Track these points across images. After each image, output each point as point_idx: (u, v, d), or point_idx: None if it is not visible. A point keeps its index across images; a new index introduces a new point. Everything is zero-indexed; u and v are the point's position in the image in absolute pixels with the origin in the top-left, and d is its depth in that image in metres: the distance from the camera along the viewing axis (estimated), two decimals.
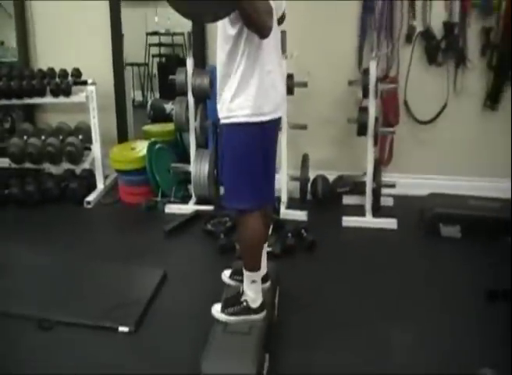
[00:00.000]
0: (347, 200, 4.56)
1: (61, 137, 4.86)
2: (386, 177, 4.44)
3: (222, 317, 2.78)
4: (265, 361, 2.58)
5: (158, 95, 7.03)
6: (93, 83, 4.84)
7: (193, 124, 4.50)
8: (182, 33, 4.54)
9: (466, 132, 4.60)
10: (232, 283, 3.10)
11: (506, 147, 4.48)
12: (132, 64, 6.45)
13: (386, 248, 3.86)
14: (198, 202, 4.54)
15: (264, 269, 2.98)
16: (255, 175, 2.66)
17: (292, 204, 4.43)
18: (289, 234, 3.85)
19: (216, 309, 2.82)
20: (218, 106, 2.68)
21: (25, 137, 4.87)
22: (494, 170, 4.57)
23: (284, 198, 4.42)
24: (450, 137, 4.62)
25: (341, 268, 3.62)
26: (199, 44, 4.80)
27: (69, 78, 4.93)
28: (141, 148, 4.78)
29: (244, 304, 2.77)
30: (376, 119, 4.18)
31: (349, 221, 4.18)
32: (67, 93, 4.86)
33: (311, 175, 4.49)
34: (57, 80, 4.92)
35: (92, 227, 4.46)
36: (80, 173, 5.00)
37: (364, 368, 2.70)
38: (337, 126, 4.63)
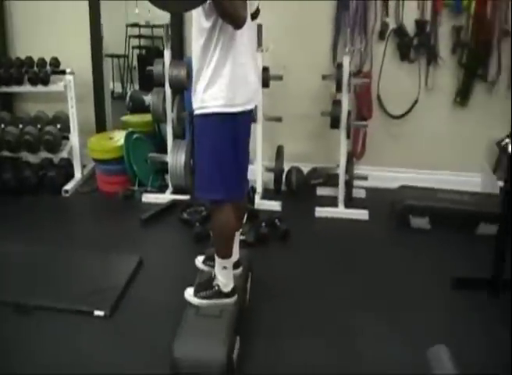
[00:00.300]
0: (321, 191, 4.63)
1: (39, 126, 4.86)
2: (359, 170, 4.55)
3: (195, 301, 2.85)
4: (236, 343, 2.64)
5: (137, 87, 7.05)
6: (71, 73, 4.84)
7: (170, 115, 4.54)
8: (162, 26, 4.58)
9: (437, 127, 4.69)
10: (205, 268, 3.18)
11: (476, 142, 4.60)
12: (112, 55, 6.51)
13: (358, 239, 3.94)
14: (175, 192, 4.58)
15: (235, 256, 3.06)
16: (227, 166, 2.71)
17: (267, 194, 4.50)
18: (263, 224, 3.92)
19: (189, 293, 2.89)
20: (193, 98, 2.72)
21: (2, 126, 4.85)
22: (464, 165, 4.67)
23: (259, 189, 4.48)
24: (421, 132, 4.71)
25: (313, 257, 3.69)
26: (177, 36, 4.84)
27: (48, 67, 4.93)
28: (119, 137, 4.80)
29: (216, 288, 2.85)
30: (349, 112, 4.26)
31: (322, 212, 4.26)
32: (45, 82, 4.86)
33: (286, 167, 4.56)
34: (35, 68, 4.91)
35: (69, 216, 4.49)
36: (57, 162, 5.00)
37: (331, 356, 2.76)
38: (311, 119, 4.68)
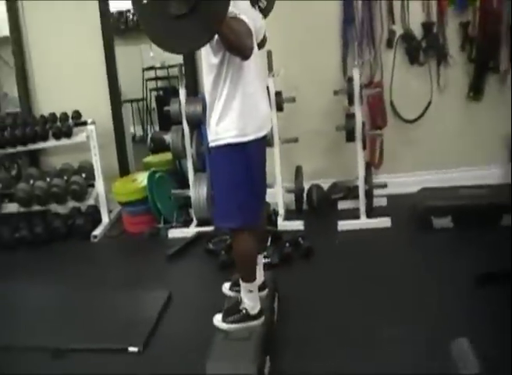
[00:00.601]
0: (342, 205, 4.64)
1: (65, 178, 5.02)
2: (379, 178, 4.56)
3: (223, 326, 2.87)
4: (266, 363, 2.65)
5: (157, 128, 7.18)
6: (92, 123, 4.98)
7: (189, 151, 4.63)
8: (176, 65, 4.75)
9: (452, 125, 4.68)
10: (232, 294, 3.20)
11: (493, 134, 4.56)
12: (131, 100, 6.67)
13: (381, 247, 3.90)
14: (199, 224, 4.62)
15: (260, 279, 3.08)
16: (243, 194, 2.76)
17: (289, 215, 4.51)
18: (287, 244, 3.92)
19: (218, 319, 2.91)
20: (208, 131, 2.80)
21: (31, 181, 5.03)
22: (483, 158, 4.63)
23: (281, 211, 4.50)
24: (437, 132, 4.70)
25: (338, 272, 3.65)
26: (191, 73, 4.97)
27: (70, 120, 5.08)
28: (142, 179, 4.89)
29: (243, 311, 2.86)
30: (363, 124, 4.26)
31: (344, 225, 4.24)
32: (68, 135, 5.01)
33: (306, 185, 4.59)
34: (58, 123, 5.07)
35: (99, 259, 4.57)
36: (85, 210, 5.13)
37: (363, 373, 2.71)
38: (327, 136, 4.70)
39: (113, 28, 5.54)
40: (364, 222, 4.25)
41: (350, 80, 4.28)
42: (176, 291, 3.64)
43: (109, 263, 4.51)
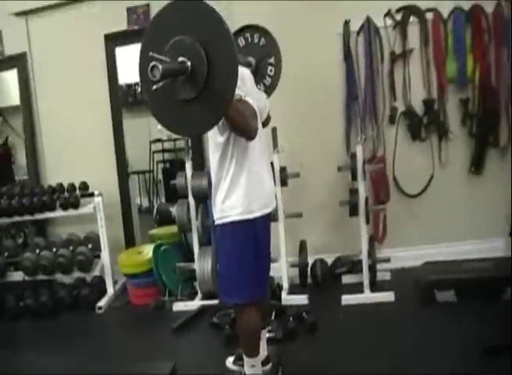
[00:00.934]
0: (346, 279, 4.63)
1: (71, 248, 5.06)
2: (382, 252, 4.58)
3: None
4: None
5: (164, 200, 7.21)
6: (99, 195, 5.05)
7: (195, 224, 4.65)
8: (183, 139, 4.85)
9: (454, 199, 4.71)
10: (235, 368, 3.26)
11: (495, 207, 4.58)
12: (138, 172, 6.74)
13: (384, 321, 3.88)
14: (204, 297, 4.61)
15: (264, 353, 3.11)
16: (248, 270, 2.82)
17: (293, 289, 4.51)
18: (291, 318, 3.90)
19: None
20: (213, 208, 2.87)
21: (37, 251, 5.07)
22: (486, 231, 4.62)
23: (285, 285, 4.49)
24: (440, 206, 4.72)
25: (342, 346, 3.62)
26: (197, 148, 5.07)
27: (77, 191, 5.16)
28: (148, 251, 4.93)
29: None
30: (366, 198, 4.31)
31: (348, 299, 4.22)
32: (75, 206, 5.09)
33: (310, 259, 4.60)
34: (65, 194, 5.15)
35: (103, 331, 4.54)
36: (90, 280, 5.14)
37: None
38: (331, 210, 4.73)
39: (121, 101, 5.68)
40: (367, 296, 4.23)
41: (353, 156, 4.35)
42: (180, 363, 3.59)
43: (114, 335, 4.48)
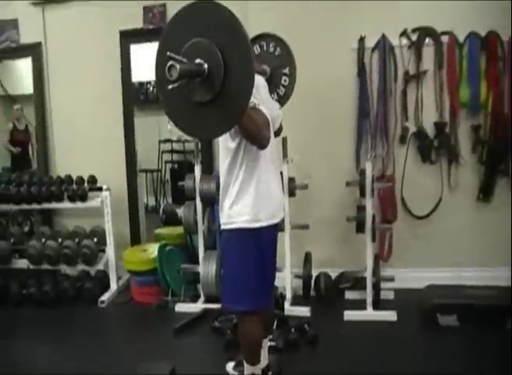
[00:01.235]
0: (349, 295, 4.65)
1: (77, 240, 5.10)
2: (387, 271, 4.59)
3: None
4: None
5: (170, 200, 7.26)
6: (107, 189, 5.09)
7: (201, 227, 4.67)
8: (192, 141, 4.86)
9: (461, 224, 4.72)
10: (235, 374, 3.28)
11: (502, 236, 4.58)
12: (146, 170, 6.76)
13: (386, 341, 3.90)
14: (206, 301, 4.64)
15: (264, 362, 3.13)
16: (253, 278, 2.83)
17: (296, 300, 4.52)
18: (293, 329, 3.93)
19: None
20: (220, 213, 2.89)
21: (43, 240, 5.11)
22: (491, 260, 4.64)
23: (288, 295, 4.51)
24: (447, 231, 4.74)
25: (342, 361, 3.64)
26: (207, 151, 5.09)
27: (85, 184, 5.19)
28: (153, 250, 4.95)
29: None
30: (373, 216, 4.33)
31: (350, 315, 4.25)
32: (83, 199, 5.13)
33: (314, 272, 4.63)
34: (74, 186, 5.18)
35: (104, 326, 4.56)
36: (94, 274, 5.17)
37: None
38: (337, 225, 4.75)
39: (133, 98, 5.71)
40: (370, 313, 4.26)
41: (362, 172, 4.34)
42: (179, 365, 3.58)
43: (115, 330, 4.51)
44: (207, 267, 4.63)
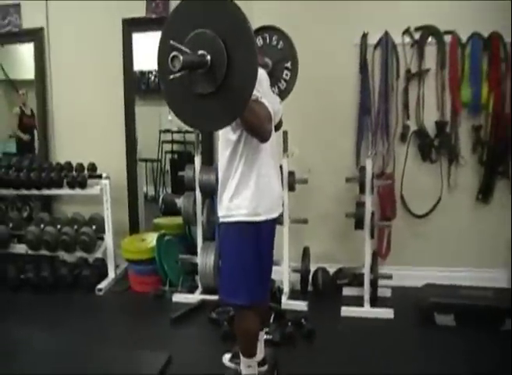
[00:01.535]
0: (347, 291, 4.65)
1: (75, 227, 5.10)
2: (385, 269, 4.59)
3: None
4: None
5: (170, 190, 7.26)
6: (107, 177, 5.09)
7: (200, 218, 4.69)
8: (193, 132, 4.84)
9: (460, 225, 4.73)
10: (232, 365, 3.31)
11: (500, 238, 4.61)
12: (146, 160, 6.73)
13: (383, 338, 3.92)
14: (204, 292, 4.66)
15: (260, 355, 3.16)
16: (251, 272, 2.83)
17: (293, 295, 4.54)
18: (289, 323, 3.95)
19: None
20: (218, 205, 2.88)
21: (42, 226, 5.12)
22: (489, 261, 4.66)
23: (286, 289, 4.52)
24: (445, 230, 4.75)
25: (338, 357, 3.67)
26: (207, 142, 5.09)
27: (85, 172, 5.19)
28: (151, 239, 4.95)
29: None
30: (372, 213, 4.34)
31: (347, 311, 4.26)
32: (83, 186, 5.11)
33: (312, 267, 4.63)
34: (73, 173, 5.17)
35: (101, 314, 4.57)
36: (92, 262, 5.19)
37: None
38: (336, 221, 4.76)
39: (135, 87, 5.69)
40: (367, 310, 4.28)
41: (362, 169, 4.35)
42: (176, 354, 3.65)
43: (111, 319, 4.50)
44: (205, 258, 4.64)
